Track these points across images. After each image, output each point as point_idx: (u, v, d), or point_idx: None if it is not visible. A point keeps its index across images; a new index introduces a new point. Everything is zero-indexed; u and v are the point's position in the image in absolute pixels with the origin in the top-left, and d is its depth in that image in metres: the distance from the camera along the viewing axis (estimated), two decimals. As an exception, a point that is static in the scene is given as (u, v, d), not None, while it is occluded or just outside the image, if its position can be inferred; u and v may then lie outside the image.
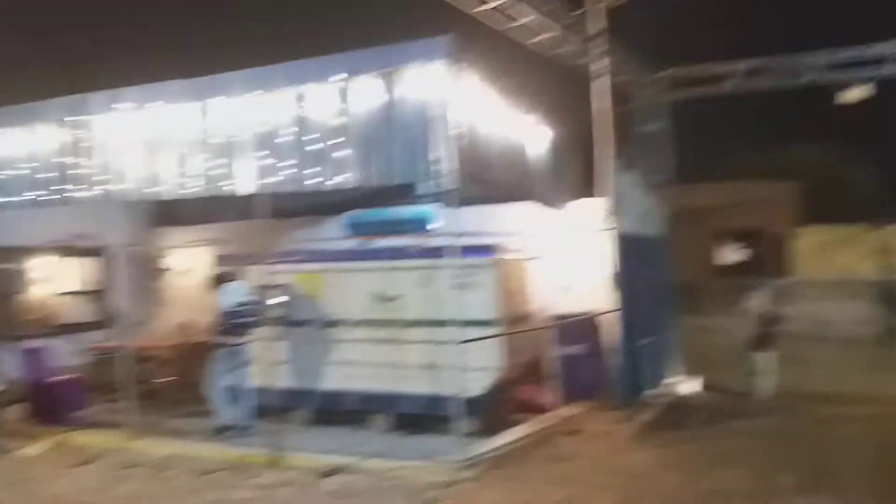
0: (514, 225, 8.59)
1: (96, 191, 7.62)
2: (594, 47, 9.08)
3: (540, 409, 8.25)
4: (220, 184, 6.97)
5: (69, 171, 7.79)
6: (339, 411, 7.85)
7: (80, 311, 11.14)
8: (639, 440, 7.53)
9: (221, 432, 7.87)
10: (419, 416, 7.54)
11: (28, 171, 8.05)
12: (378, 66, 6.33)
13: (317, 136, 6.54)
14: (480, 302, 7.45)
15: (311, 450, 7.03)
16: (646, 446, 7.29)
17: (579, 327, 8.68)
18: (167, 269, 12.23)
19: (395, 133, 6.27)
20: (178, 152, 7.17)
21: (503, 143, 7.38)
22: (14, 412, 8.87)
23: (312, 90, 6.60)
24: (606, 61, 9.06)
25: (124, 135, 7.45)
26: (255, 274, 8.22)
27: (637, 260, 8.70)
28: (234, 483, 6.51)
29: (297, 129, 6.65)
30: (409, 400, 7.74)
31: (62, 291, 11.11)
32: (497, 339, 7.43)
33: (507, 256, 8.04)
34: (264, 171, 6.79)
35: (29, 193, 8.06)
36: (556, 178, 9.01)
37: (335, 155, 6.46)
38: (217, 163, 7.00)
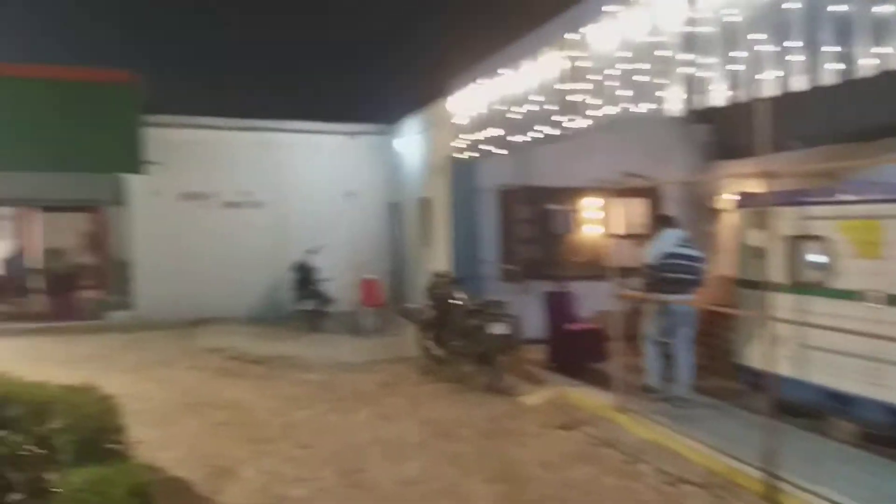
0: None
1: (602, 116, 6.44)
2: None
3: None
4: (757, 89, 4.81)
5: (570, 99, 6.87)
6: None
7: (625, 256, 10.42)
8: None
9: (647, 392, 6.94)
10: None
11: (538, 106, 7.48)
12: None
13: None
14: None
15: (833, 487, 4.58)
16: None
17: None
18: (723, 211, 10.46)
19: None
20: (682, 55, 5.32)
21: None
22: (532, 354, 8.66)
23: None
24: None
25: (620, 45, 6.02)
26: (787, 220, 5.92)
27: None
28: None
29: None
30: None
31: (609, 234, 10.62)
32: None
33: None
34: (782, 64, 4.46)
35: (538, 129, 7.51)
36: None
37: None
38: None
